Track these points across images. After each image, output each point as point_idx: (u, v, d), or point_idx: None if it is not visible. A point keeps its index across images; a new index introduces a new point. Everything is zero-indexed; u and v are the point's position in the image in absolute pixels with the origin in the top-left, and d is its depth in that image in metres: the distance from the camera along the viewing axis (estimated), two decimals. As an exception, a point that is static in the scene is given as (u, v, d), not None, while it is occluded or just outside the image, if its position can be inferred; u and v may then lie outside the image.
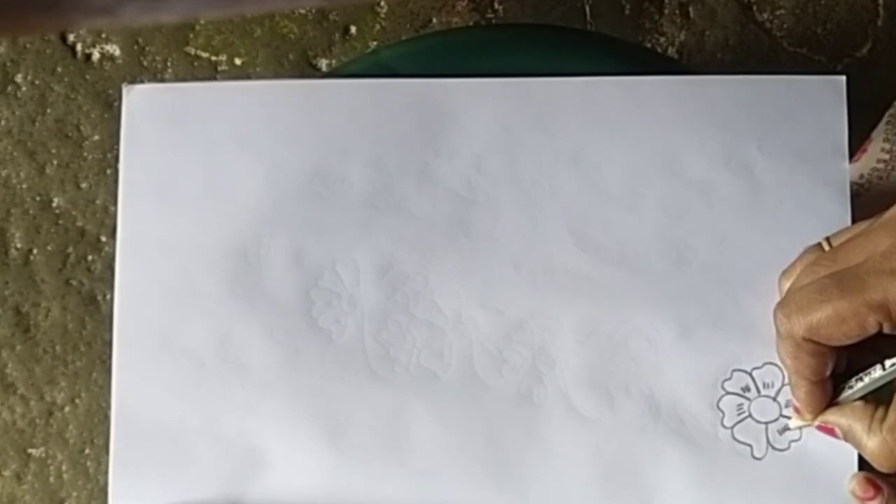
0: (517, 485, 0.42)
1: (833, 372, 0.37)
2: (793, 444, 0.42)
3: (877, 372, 0.35)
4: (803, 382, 0.36)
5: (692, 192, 0.43)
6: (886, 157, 0.50)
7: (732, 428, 0.42)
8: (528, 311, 0.43)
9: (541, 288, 0.43)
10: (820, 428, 0.38)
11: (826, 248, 0.38)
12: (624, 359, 0.43)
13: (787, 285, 0.38)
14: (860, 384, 0.36)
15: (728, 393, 0.42)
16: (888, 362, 0.35)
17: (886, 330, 0.33)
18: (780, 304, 0.36)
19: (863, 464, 0.42)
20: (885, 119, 0.51)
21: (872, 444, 0.35)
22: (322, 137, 0.44)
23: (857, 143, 0.50)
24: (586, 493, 0.42)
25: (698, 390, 0.42)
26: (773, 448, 0.42)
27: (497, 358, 0.43)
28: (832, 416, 0.37)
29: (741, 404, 0.42)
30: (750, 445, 0.42)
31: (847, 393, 0.37)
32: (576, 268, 0.43)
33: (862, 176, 0.50)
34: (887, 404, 0.35)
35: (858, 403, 0.36)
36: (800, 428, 0.40)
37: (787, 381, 0.39)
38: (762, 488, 0.42)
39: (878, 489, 0.40)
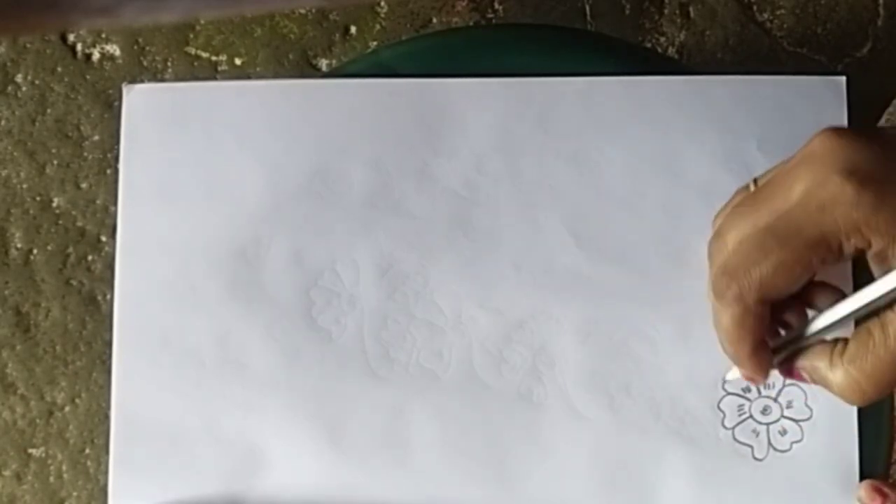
0: (517, 485, 0.42)
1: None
2: (794, 445, 0.42)
3: (837, 310, 0.35)
4: (748, 344, 0.35)
5: (692, 192, 0.43)
6: None
7: (733, 429, 0.42)
8: (528, 311, 0.43)
9: (541, 288, 0.43)
10: (784, 373, 0.37)
11: (753, 188, 0.37)
12: (624, 359, 0.43)
13: (717, 223, 0.38)
14: (819, 325, 0.35)
15: (729, 393, 0.42)
16: (844, 303, 0.34)
17: (831, 262, 0.33)
18: (722, 273, 0.35)
19: (864, 464, 0.42)
20: (884, 118, 0.51)
21: (837, 378, 0.34)
22: (322, 137, 0.44)
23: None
24: (586, 493, 0.42)
25: (699, 391, 0.42)
26: (774, 449, 0.42)
27: (497, 358, 0.43)
28: (798, 362, 0.36)
29: (742, 405, 0.42)
30: (751, 446, 0.42)
31: (806, 339, 0.36)
32: (576, 268, 0.43)
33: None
34: (846, 340, 0.35)
35: (818, 344, 0.35)
36: (738, 379, 0.39)
37: (721, 347, 0.37)
38: (763, 489, 0.42)
39: (884, 496, 0.40)
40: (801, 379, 0.36)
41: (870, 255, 0.33)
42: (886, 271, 0.32)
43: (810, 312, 0.36)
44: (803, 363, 0.36)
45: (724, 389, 0.42)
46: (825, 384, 0.35)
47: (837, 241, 0.32)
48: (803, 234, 0.33)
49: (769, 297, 0.34)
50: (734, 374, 0.39)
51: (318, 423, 0.43)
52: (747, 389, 0.42)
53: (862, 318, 0.34)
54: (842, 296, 0.35)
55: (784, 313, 0.36)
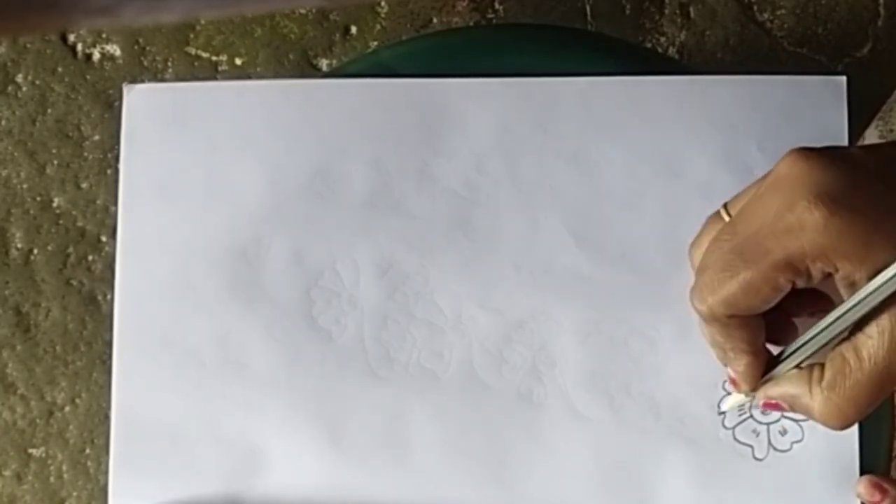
0: (517, 485, 0.42)
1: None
2: (794, 445, 0.42)
3: (808, 336, 0.35)
4: (742, 356, 0.36)
5: (692, 192, 0.43)
6: None
7: (733, 429, 0.42)
8: (528, 311, 0.43)
9: (541, 288, 0.43)
10: (765, 405, 0.37)
11: (725, 216, 0.37)
12: (624, 359, 0.43)
13: (697, 257, 0.38)
14: (793, 353, 0.36)
15: (729, 393, 0.42)
16: (814, 329, 0.35)
17: (801, 284, 0.33)
18: (693, 291, 0.36)
19: (864, 464, 0.42)
20: (873, 124, 0.51)
21: (817, 405, 0.34)
22: (322, 137, 0.44)
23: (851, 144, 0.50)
24: (586, 493, 0.42)
25: (699, 391, 0.42)
26: (775, 449, 0.42)
27: (497, 358, 0.43)
28: (772, 391, 0.36)
29: (742, 405, 0.42)
30: (751, 446, 0.42)
31: (781, 366, 0.36)
32: (576, 268, 0.43)
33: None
34: (822, 365, 0.35)
35: (794, 372, 0.36)
36: (738, 406, 0.40)
37: (719, 361, 0.38)
38: (763, 489, 0.42)
39: (884, 492, 0.40)
40: (781, 409, 0.37)
41: (837, 279, 0.33)
42: (857, 298, 0.32)
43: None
44: (780, 392, 0.36)
45: (724, 389, 0.42)
46: (806, 412, 0.35)
47: (804, 264, 0.32)
48: (770, 256, 0.33)
49: (741, 313, 0.34)
50: (729, 403, 0.40)
51: (319, 423, 0.43)
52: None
53: (835, 341, 0.34)
54: (826, 304, 0.35)
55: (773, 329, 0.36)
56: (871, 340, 0.32)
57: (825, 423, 0.35)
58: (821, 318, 0.35)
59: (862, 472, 0.41)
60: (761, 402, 0.37)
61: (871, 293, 0.32)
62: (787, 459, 0.42)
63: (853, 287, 0.32)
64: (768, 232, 0.33)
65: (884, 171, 0.33)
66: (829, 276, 0.33)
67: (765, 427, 0.42)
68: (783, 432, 0.42)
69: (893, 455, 0.44)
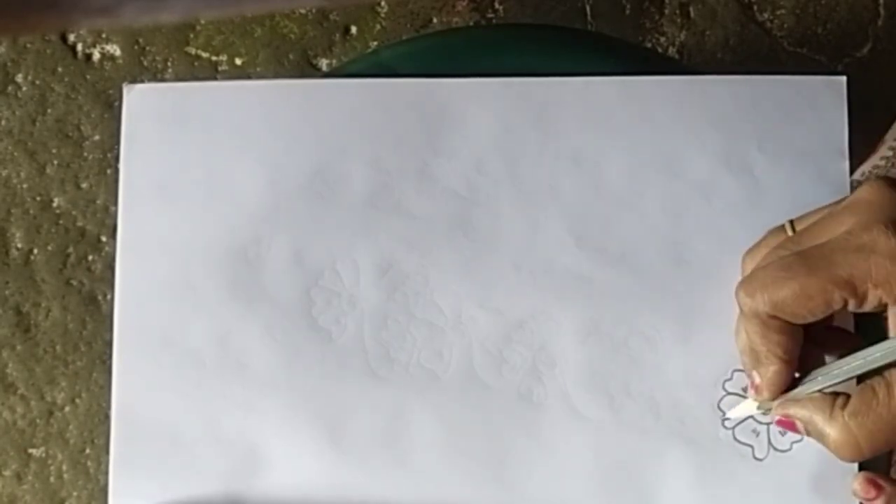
0: (517, 485, 0.42)
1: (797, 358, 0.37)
2: (794, 446, 0.42)
3: (842, 364, 0.35)
4: (775, 360, 0.36)
5: (692, 192, 0.43)
6: (889, 153, 0.50)
7: (733, 429, 0.42)
8: (528, 311, 0.43)
9: (541, 288, 0.43)
10: (779, 422, 0.37)
11: (789, 231, 0.37)
12: (624, 359, 0.43)
13: (750, 266, 0.38)
14: (821, 377, 0.35)
15: (729, 393, 0.42)
16: (850, 357, 0.35)
17: (851, 308, 0.33)
18: (743, 283, 0.35)
19: (864, 465, 0.42)
20: (887, 145, 0.51)
21: (834, 432, 0.34)
22: (322, 137, 0.44)
23: (867, 144, 0.50)
24: (586, 493, 0.42)
25: (699, 390, 0.42)
26: (775, 449, 0.42)
27: (497, 358, 0.43)
28: (792, 409, 0.36)
29: (750, 416, 0.42)
30: (751, 446, 0.42)
31: (805, 386, 0.36)
32: (576, 268, 0.43)
33: (864, 173, 0.50)
34: (847, 395, 0.35)
35: (818, 395, 0.36)
36: (746, 416, 0.40)
37: (743, 365, 0.38)
38: (763, 489, 0.41)
39: (880, 489, 0.40)
40: (794, 429, 0.37)
41: (891, 312, 0.33)
42: None
43: (827, 358, 0.36)
44: (800, 413, 0.36)
45: (724, 389, 0.42)
46: (820, 436, 0.35)
47: (865, 287, 0.32)
48: (833, 269, 0.33)
49: (785, 317, 0.34)
50: (738, 411, 0.39)
51: (318, 423, 0.43)
52: (747, 389, 0.42)
53: (866, 375, 0.34)
54: (854, 346, 0.35)
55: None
56: None
57: (836, 453, 0.34)
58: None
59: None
60: (777, 419, 0.37)
61: None
62: (787, 459, 0.42)
63: None
64: (837, 247, 0.33)
65: None
66: (883, 307, 0.33)
67: (765, 427, 0.42)
68: (783, 432, 0.42)
69: (893, 459, 0.44)
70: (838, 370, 0.35)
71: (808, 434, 0.36)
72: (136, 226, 0.44)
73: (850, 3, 0.78)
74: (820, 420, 0.35)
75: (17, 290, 0.79)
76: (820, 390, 0.36)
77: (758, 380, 0.37)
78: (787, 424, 0.37)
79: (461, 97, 0.44)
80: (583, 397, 0.42)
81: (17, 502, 0.78)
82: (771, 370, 0.36)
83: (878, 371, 0.34)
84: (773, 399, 0.37)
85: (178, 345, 0.43)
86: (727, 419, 0.41)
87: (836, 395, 0.35)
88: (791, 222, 0.38)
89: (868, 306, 0.33)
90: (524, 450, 0.42)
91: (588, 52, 0.45)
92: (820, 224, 0.35)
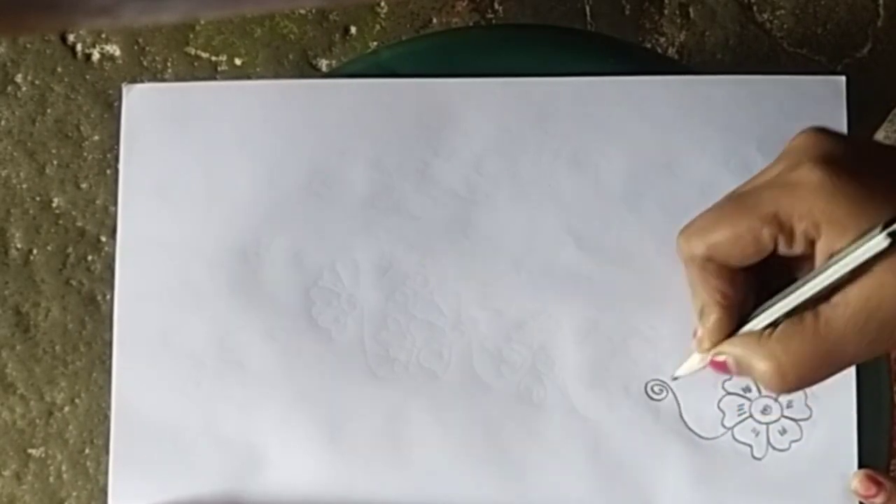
0: (517, 484, 0.42)
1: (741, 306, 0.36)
2: (793, 445, 0.42)
3: (774, 300, 0.34)
4: (714, 307, 0.35)
5: (692, 192, 0.43)
6: None
7: (733, 428, 0.42)
8: (527, 311, 0.43)
9: (541, 288, 0.43)
10: (712, 364, 0.36)
11: None
12: (623, 358, 0.43)
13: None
14: (757, 317, 0.35)
15: (728, 393, 0.42)
16: (781, 293, 0.34)
17: (782, 248, 0.33)
18: (682, 230, 0.35)
19: (863, 464, 0.42)
20: (888, 118, 0.51)
21: (761, 362, 0.33)
22: (322, 137, 0.44)
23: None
24: (586, 492, 0.42)
25: (699, 390, 0.42)
26: (773, 448, 0.42)
27: (497, 358, 0.43)
28: (724, 347, 0.35)
29: (742, 405, 0.42)
30: (750, 445, 0.42)
31: (746, 327, 0.35)
32: (576, 268, 0.43)
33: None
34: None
35: (749, 332, 0.35)
36: (692, 371, 0.38)
37: (694, 311, 0.37)
38: (762, 488, 0.42)
39: (879, 486, 0.40)
40: (726, 370, 0.36)
41: (818, 250, 0.33)
42: (829, 264, 0.32)
43: None
44: (728, 349, 0.35)
45: (724, 389, 0.42)
46: (748, 370, 0.34)
47: (790, 221, 0.32)
48: (760, 206, 0.33)
49: (719, 259, 0.34)
50: (683, 369, 0.38)
51: (318, 423, 0.43)
52: (747, 389, 0.42)
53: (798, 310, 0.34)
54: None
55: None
56: (834, 309, 0.32)
57: (764, 383, 0.34)
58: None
59: (861, 472, 0.41)
60: (709, 360, 0.36)
61: (842, 260, 0.31)
62: (786, 459, 0.42)
63: (830, 258, 0.32)
64: (765, 186, 0.33)
65: (887, 157, 0.33)
66: (811, 245, 0.33)
67: (764, 427, 0.42)
68: (782, 432, 0.42)
69: (893, 460, 0.44)
70: (772, 308, 0.34)
71: (740, 372, 0.35)
72: (136, 226, 0.44)
73: (849, 4, 0.78)
74: (748, 353, 0.34)
75: (16, 291, 0.79)
76: (750, 328, 0.35)
77: (700, 331, 0.36)
78: (719, 366, 0.36)
79: (461, 97, 0.44)
80: (582, 397, 0.42)
81: (17, 502, 0.79)
82: (712, 318, 0.35)
83: (808, 306, 0.33)
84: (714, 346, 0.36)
85: (177, 345, 0.43)
86: (675, 378, 0.40)
87: (765, 328, 0.34)
88: None
89: (798, 245, 0.33)
90: (523, 449, 0.42)
91: (588, 52, 0.45)
92: (757, 174, 0.35)
